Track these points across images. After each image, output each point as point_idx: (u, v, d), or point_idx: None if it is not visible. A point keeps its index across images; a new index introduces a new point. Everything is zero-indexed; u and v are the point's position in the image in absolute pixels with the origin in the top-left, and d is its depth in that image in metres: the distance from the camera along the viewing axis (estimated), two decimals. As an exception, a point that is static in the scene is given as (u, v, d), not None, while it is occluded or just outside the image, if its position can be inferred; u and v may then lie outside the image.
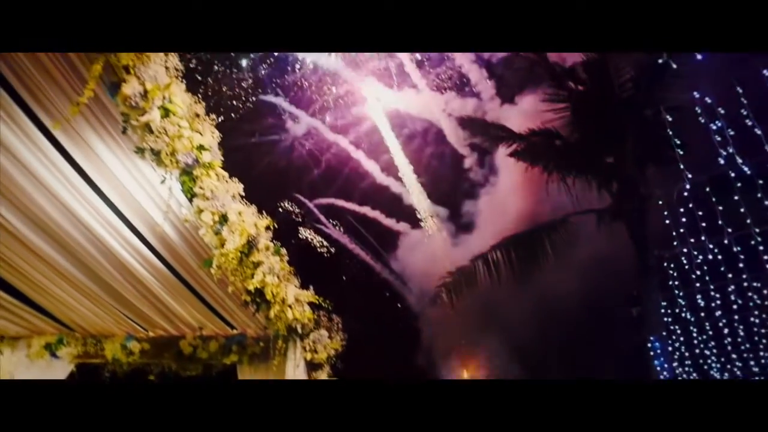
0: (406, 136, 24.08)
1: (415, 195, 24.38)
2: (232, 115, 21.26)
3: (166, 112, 4.05)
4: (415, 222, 24.16)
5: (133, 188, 4.78)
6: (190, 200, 4.60)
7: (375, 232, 24.29)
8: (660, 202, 10.80)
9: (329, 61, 22.07)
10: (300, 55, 21.35)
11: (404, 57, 22.37)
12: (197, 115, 4.47)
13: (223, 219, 4.72)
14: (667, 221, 10.70)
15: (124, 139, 4.41)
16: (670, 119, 9.59)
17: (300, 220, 23.50)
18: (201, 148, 4.33)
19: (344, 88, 23.26)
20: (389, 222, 24.91)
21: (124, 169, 4.67)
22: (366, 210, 24.71)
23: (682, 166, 9.58)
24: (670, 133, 9.48)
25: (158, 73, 3.97)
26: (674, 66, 9.96)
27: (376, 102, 23.66)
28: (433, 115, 23.16)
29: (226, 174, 4.79)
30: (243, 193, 5.01)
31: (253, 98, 21.79)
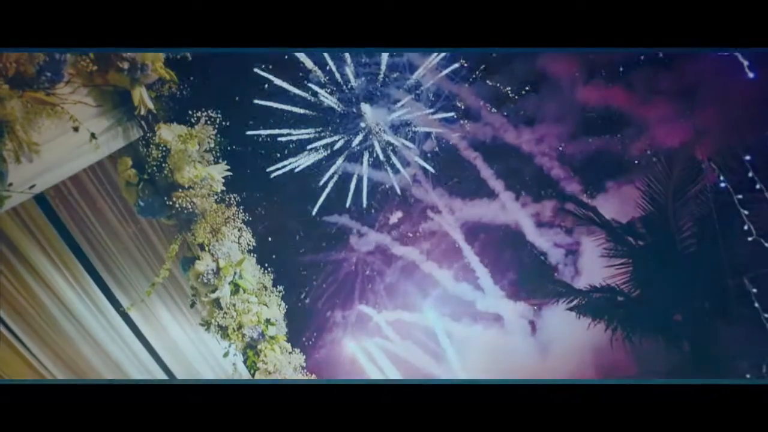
0: (483, 242, 23.57)
1: (492, 300, 23.38)
2: (297, 237, 21.64)
3: (236, 288, 4.04)
4: (491, 326, 22.95)
5: (195, 360, 4.69)
6: (253, 374, 4.46)
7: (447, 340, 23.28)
8: (748, 375, 9.99)
9: (398, 177, 22.59)
10: (365, 177, 22.05)
11: (481, 166, 22.54)
12: (264, 288, 4.47)
13: (285, 394, 4.53)
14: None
15: (191, 311, 4.39)
16: (755, 291, 9.15)
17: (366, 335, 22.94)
18: (268, 322, 4.26)
19: (417, 204, 23.52)
20: (462, 329, 23.84)
21: (188, 340, 4.62)
22: (433, 321, 23.89)
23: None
24: (756, 305, 9.00)
25: (231, 250, 4.02)
26: (744, 220, 9.67)
27: (450, 214, 23.62)
28: (510, 218, 22.71)
29: (289, 345, 4.69)
30: (304, 364, 4.87)
31: (318, 217, 22.26)
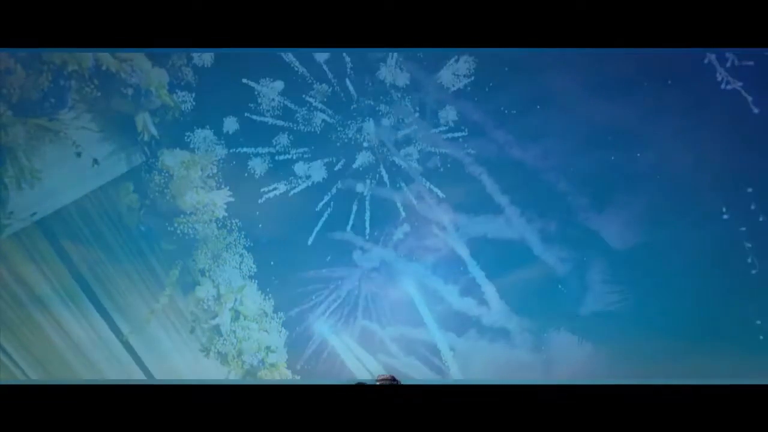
0: (488, 257, 23.39)
1: (497, 315, 23.18)
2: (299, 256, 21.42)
3: (236, 315, 4.02)
4: (496, 340, 22.63)
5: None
6: (251, 402, 4.41)
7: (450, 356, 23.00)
8: None
9: (402, 194, 22.48)
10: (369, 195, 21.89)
11: (489, 184, 22.40)
12: (265, 314, 4.44)
13: (284, 423, 4.48)
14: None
15: (190, 337, 4.36)
16: (758, 323, 9.07)
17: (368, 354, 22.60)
18: (268, 349, 4.24)
19: (421, 221, 23.30)
20: (467, 344, 23.49)
21: (186, 366, 4.57)
22: (438, 336, 23.61)
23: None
24: (761, 337, 8.91)
25: (232, 276, 4.01)
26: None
27: (455, 230, 23.49)
28: (515, 233, 22.57)
29: (289, 373, 4.65)
30: (305, 392, 4.82)
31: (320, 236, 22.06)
